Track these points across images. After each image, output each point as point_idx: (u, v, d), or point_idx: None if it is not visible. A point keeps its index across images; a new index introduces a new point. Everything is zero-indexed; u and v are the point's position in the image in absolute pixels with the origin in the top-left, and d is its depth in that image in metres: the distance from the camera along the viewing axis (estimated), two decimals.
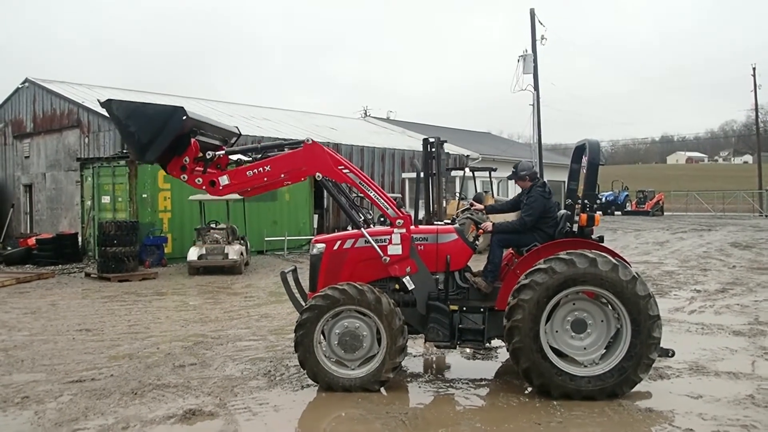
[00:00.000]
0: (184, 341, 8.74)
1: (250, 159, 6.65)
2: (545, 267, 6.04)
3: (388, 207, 6.64)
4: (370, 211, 7.36)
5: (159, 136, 6.09)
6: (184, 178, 6.40)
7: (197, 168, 6.44)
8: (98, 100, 6.20)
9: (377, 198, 6.62)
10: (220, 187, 6.45)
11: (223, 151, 6.61)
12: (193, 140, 6.36)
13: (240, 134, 7.37)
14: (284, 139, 6.79)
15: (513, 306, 6.09)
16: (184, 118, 6.08)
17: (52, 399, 6.28)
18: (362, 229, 6.77)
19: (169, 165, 6.39)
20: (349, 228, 7.20)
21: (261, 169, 6.47)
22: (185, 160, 6.33)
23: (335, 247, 6.89)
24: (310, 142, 6.55)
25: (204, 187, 6.46)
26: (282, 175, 6.54)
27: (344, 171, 6.58)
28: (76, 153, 22.14)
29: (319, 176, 6.57)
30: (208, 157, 6.43)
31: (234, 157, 6.66)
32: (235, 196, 17.14)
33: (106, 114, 6.21)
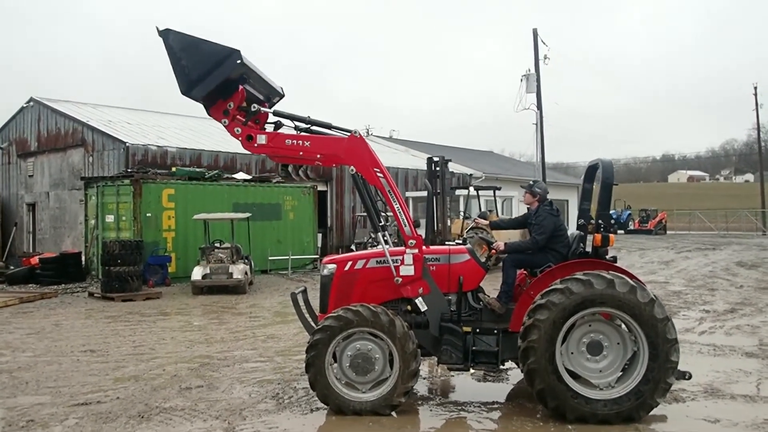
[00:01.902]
0: (190, 363, 8.63)
1: (292, 126, 6.65)
2: (562, 287, 5.96)
3: (406, 224, 6.56)
4: (389, 218, 7.26)
5: (210, 74, 6.09)
6: (224, 122, 6.35)
7: (239, 117, 6.41)
8: (156, 28, 6.18)
9: (399, 212, 6.53)
10: (256, 144, 6.41)
11: (269, 110, 6.59)
12: (240, 87, 6.30)
13: (284, 95, 7.27)
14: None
15: (528, 326, 6.00)
16: (239, 61, 6.08)
17: (57, 423, 6.17)
18: (380, 236, 6.69)
19: (212, 107, 6.36)
20: (353, 248, 7.13)
21: (300, 142, 6.46)
22: (229, 105, 6.29)
23: (346, 268, 6.82)
24: (358, 135, 6.52)
25: (240, 139, 6.40)
26: (318, 156, 6.52)
27: (378, 174, 6.51)
28: (80, 172, 22.10)
29: (352, 170, 6.56)
30: (252, 109, 6.41)
31: (274, 119, 6.62)
32: (240, 215, 17.31)
33: (165, 44, 6.14)
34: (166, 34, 6.17)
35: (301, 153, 6.49)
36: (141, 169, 19.15)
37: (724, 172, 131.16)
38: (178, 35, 6.19)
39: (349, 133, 6.56)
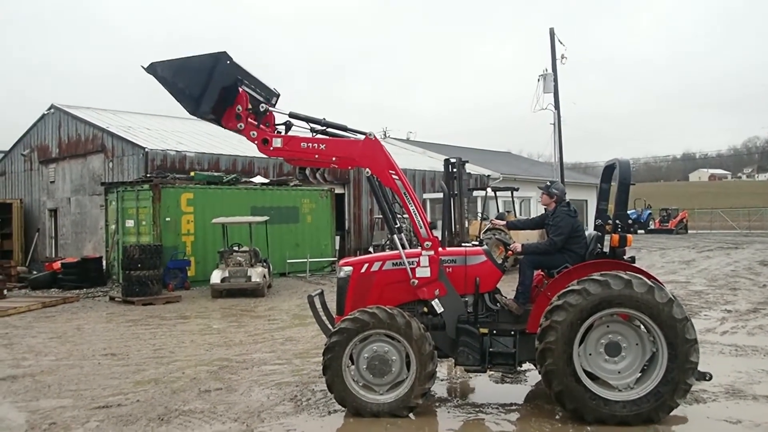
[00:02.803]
0: (209, 365, 8.69)
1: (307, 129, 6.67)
2: (579, 288, 5.92)
3: (422, 226, 6.55)
4: (404, 220, 7.24)
5: (208, 85, 6.12)
6: (240, 126, 6.35)
7: (251, 119, 6.43)
8: (141, 66, 6.28)
9: (415, 214, 6.52)
10: (271, 148, 6.44)
11: (272, 108, 6.61)
12: (240, 90, 6.33)
13: (279, 94, 7.21)
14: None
15: (546, 327, 5.97)
16: (228, 62, 6.11)
17: (79, 425, 6.25)
18: (396, 238, 6.68)
19: (223, 117, 6.38)
20: (371, 250, 7.11)
21: (316, 145, 6.48)
22: (238, 109, 6.31)
23: (363, 270, 6.83)
24: (373, 137, 6.53)
25: (256, 143, 6.43)
26: (333, 158, 6.53)
27: (393, 176, 6.51)
28: (100, 177, 22.34)
29: (368, 172, 6.55)
30: (261, 109, 6.43)
31: (283, 119, 6.65)
32: (258, 218, 17.39)
33: (151, 75, 6.22)
34: (153, 68, 6.25)
35: (316, 156, 6.51)
36: (160, 174, 19.32)
37: (746, 170, 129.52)
38: (165, 63, 6.25)
39: (364, 136, 6.58)
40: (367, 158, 6.51)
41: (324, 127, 6.70)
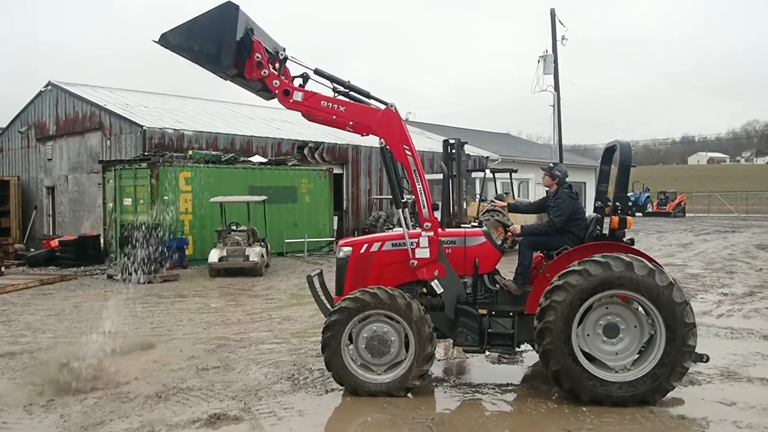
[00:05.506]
0: (207, 344, 8.71)
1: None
2: (579, 269, 5.92)
3: (425, 206, 6.52)
4: (410, 196, 7.20)
5: (223, 39, 6.06)
6: (264, 73, 6.27)
7: (272, 68, 6.36)
8: (153, 41, 6.28)
9: (421, 193, 6.49)
10: (291, 100, 6.40)
11: (310, 69, 6.55)
12: (254, 39, 6.23)
13: (285, 50, 6.80)
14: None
15: (545, 307, 5.98)
16: (236, 10, 6.04)
17: (77, 402, 6.26)
18: (401, 214, 6.65)
19: (245, 69, 6.28)
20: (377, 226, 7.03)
21: (336, 105, 6.46)
22: (257, 57, 6.22)
23: (362, 251, 6.83)
24: (394, 109, 6.50)
25: (276, 92, 6.38)
26: (350, 122, 6.49)
27: (406, 151, 6.49)
28: (98, 155, 22.25)
29: (381, 142, 6.53)
30: (281, 57, 6.40)
31: (300, 74, 6.61)
32: (256, 198, 17.35)
33: (165, 48, 6.16)
34: (165, 39, 6.19)
35: (334, 117, 6.48)
36: (158, 153, 19.24)
37: (745, 154, 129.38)
38: (175, 31, 6.18)
39: (385, 106, 6.54)
40: (383, 128, 6.48)
41: (347, 90, 6.64)
